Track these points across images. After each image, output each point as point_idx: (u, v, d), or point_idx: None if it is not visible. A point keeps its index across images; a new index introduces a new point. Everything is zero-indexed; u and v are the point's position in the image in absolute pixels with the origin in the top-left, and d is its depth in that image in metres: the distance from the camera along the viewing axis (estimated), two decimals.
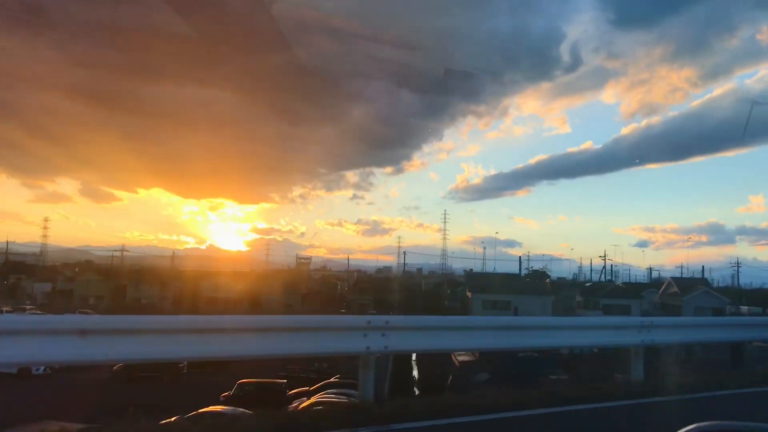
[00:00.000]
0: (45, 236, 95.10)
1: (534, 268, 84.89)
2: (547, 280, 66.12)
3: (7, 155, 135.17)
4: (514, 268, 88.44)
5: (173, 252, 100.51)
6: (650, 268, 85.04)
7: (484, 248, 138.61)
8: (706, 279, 67.93)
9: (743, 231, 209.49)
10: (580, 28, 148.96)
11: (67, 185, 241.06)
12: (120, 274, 76.71)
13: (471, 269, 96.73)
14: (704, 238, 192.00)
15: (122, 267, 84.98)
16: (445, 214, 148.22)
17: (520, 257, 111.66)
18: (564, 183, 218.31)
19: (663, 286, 61.83)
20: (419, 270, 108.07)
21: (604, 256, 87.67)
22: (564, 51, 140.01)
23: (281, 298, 71.97)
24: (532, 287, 54.66)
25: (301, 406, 15.27)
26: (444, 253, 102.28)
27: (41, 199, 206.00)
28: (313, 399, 19.72)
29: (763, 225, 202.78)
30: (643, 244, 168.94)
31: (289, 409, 8.52)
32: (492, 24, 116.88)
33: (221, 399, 21.49)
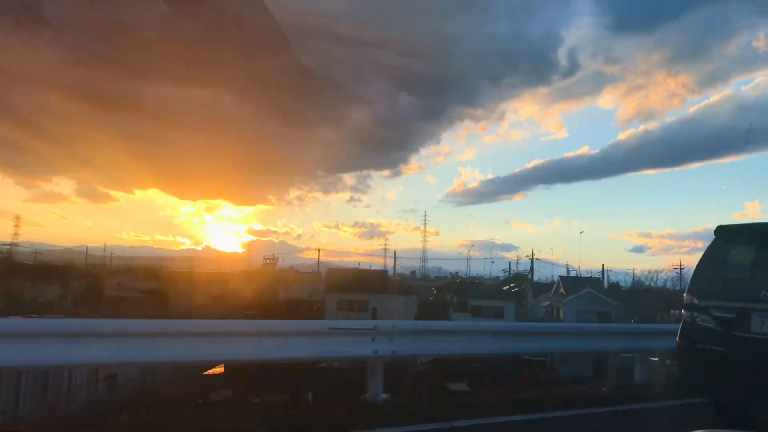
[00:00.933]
0: (16, 234, 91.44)
1: (513, 272, 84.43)
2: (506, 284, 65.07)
3: (3, 154, 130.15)
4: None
5: (86, 248, 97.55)
6: (567, 268, 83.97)
7: (468, 251, 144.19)
8: (598, 279, 65.44)
9: None
10: (578, 32, 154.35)
11: (63, 185, 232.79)
12: (31, 272, 73.85)
13: (457, 272, 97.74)
14: (700, 244, 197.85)
15: (34, 265, 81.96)
16: (425, 215, 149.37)
17: (519, 259, 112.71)
18: (560, 188, 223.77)
19: (554, 287, 59.27)
20: (413, 273, 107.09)
21: (532, 256, 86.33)
22: (562, 56, 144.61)
23: (198, 298, 70.97)
24: (397, 286, 53.61)
25: None
26: (423, 255, 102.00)
27: (37, 199, 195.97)
28: None
29: None
30: (639, 250, 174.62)
31: None
32: (491, 28, 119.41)
33: None
